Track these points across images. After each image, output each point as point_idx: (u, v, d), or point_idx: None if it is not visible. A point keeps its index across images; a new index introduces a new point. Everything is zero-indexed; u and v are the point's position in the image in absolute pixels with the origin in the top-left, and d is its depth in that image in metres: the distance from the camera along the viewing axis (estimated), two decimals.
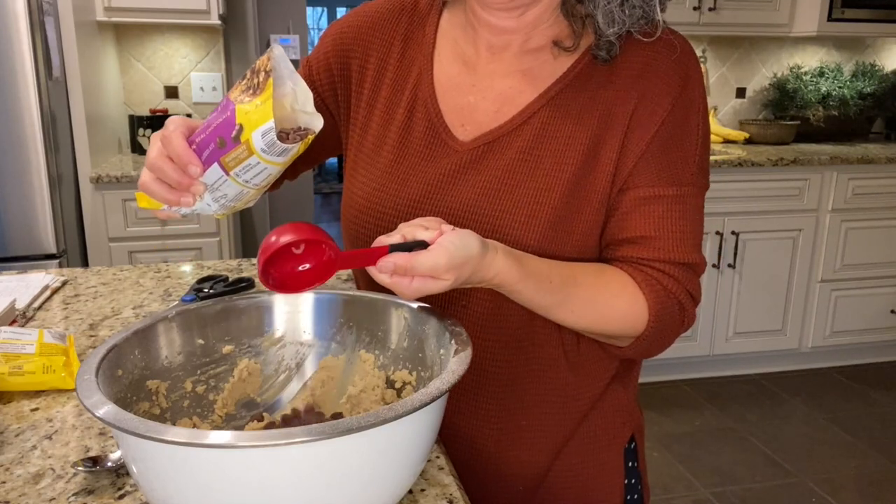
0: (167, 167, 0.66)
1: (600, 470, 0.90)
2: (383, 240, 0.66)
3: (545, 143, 0.79)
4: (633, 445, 0.94)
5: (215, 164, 0.66)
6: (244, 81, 0.65)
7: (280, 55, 0.65)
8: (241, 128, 0.63)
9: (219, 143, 0.64)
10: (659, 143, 0.78)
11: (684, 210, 0.79)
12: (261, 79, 0.63)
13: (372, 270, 0.66)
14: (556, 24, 0.82)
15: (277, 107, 0.65)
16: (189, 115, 3.15)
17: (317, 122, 0.67)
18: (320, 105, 0.92)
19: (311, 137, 0.66)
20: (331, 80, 0.92)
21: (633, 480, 0.94)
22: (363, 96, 0.89)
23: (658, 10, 0.78)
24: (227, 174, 0.66)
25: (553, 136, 0.79)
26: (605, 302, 0.77)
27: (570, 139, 0.79)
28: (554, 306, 0.75)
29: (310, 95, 0.67)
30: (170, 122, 0.68)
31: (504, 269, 0.70)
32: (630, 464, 0.93)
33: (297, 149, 0.65)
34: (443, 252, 0.64)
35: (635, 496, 0.94)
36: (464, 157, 0.81)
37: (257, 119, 0.62)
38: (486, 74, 0.84)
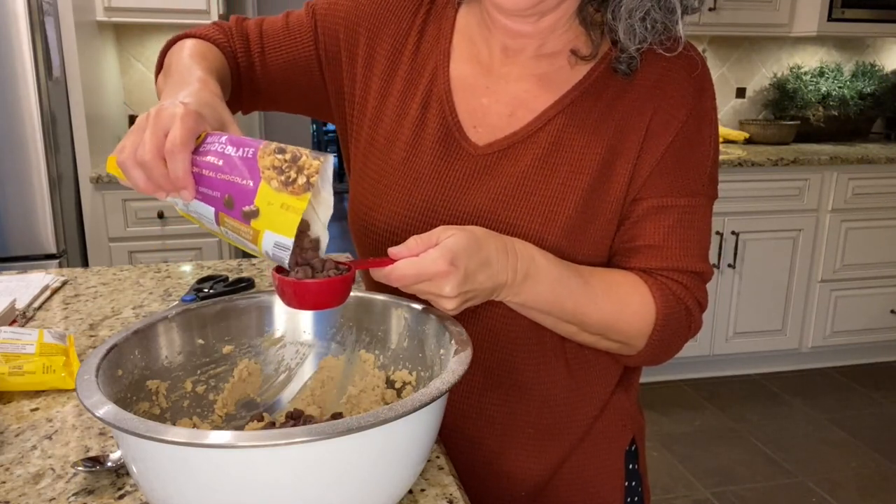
0: (158, 172, 0.59)
1: (601, 473, 0.90)
2: (393, 252, 0.67)
3: (560, 151, 0.79)
4: (633, 448, 0.93)
5: (210, 209, 0.61)
6: (279, 156, 0.59)
7: (329, 169, 0.62)
8: (258, 213, 0.59)
9: (226, 201, 0.60)
10: (673, 153, 0.78)
11: (694, 220, 0.80)
12: (299, 181, 0.59)
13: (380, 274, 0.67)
14: (572, 31, 0.81)
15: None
16: None
17: (323, 239, 0.66)
18: (312, 62, 0.88)
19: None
20: (335, 44, 0.88)
21: (633, 483, 0.93)
22: (372, 83, 0.87)
23: (680, 25, 0.77)
24: (217, 225, 0.62)
25: (568, 145, 0.79)
26: (619, 297, 0.78)
27: (586, 149, 0.79)
28: (574, 294, 0.75)
29: (330, 209, 0.65)
30: (177, 115, 0.60)
31: (523, 249, 0.71)
32: (630, 466, 0.93)
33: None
34: (437, 247, 0.65)
35: (636, 498, 0.94)
36: (478, 162, 0.81)
37: (279, 224, 0.59)
38: (500, 77, 0.83)
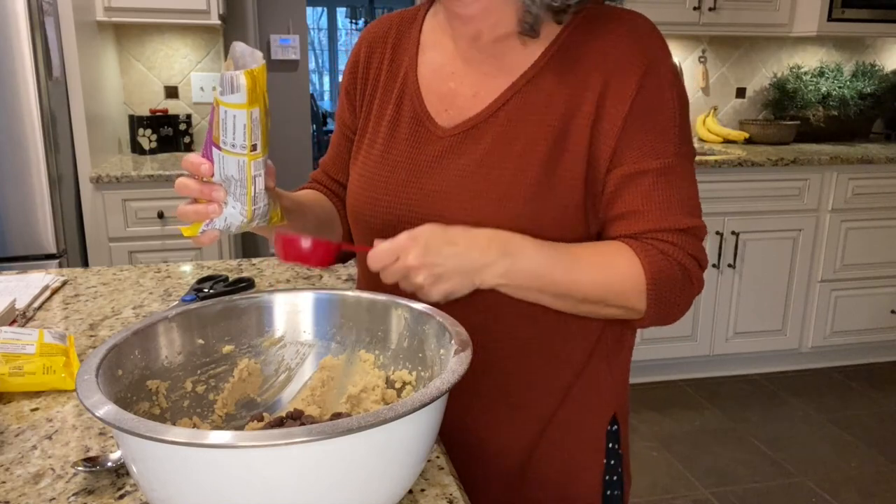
0: (189, 181, 0.73)
1: (580, 449, 0.92)
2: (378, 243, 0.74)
3: (517, 128, 0.84)
4: (615, 428, 0.95)
5: (213, 149, 0.71)
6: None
7: (239, 52, 0.70)
8: (215, 101, 0.70)
9: (208, 128, 0.72)
10: (633, 121, 0.81)
11: (671, 179, 0.82)
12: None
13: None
14: (518, 12, 0.86)
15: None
16: (189, 115, 3.16)
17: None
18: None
19: (256, 69, 0.69)
20: (355, 115, 1.00)
21: (612, 462, 0.95)
22: (363, 109, 0.98)
23: None
24: (220, 149, 0.71)
25: (524, 122, 0.83)
26: (605, 262, 0.81)
27: (540, 124, 0.83)
28: (562, 264, 0.79)
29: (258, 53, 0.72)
30: None
31: (498, 232, 0.77)
32: (611, 445, 0.94)
33: (244, 81, 0.68)
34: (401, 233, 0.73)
35: (615, 478, 0.96)
36: (445, 143, 0.87)
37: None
38: (463, 62, 0.90)
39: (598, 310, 0.83)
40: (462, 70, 0.90)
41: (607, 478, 0.94)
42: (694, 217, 0.83)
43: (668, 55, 0.84)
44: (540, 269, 0.78)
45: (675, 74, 0.84)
